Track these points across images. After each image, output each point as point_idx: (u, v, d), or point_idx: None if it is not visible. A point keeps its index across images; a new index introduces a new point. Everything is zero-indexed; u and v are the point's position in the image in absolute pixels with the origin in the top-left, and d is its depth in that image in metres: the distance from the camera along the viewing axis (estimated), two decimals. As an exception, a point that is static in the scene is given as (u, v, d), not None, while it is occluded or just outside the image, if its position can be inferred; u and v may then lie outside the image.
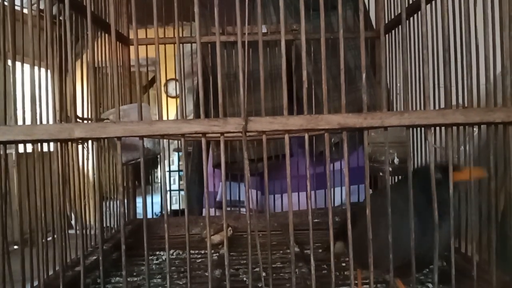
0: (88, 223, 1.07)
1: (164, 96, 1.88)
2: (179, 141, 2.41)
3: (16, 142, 0.60)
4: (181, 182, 3.67)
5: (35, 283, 0.73)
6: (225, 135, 0.61)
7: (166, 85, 3.41)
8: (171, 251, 1.13)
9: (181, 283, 0.89)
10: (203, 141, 0.61)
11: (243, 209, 1.49)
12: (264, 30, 1.38)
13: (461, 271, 0.66)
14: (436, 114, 0.58)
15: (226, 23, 1.35)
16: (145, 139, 0.62)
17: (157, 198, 3.33)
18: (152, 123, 0.58)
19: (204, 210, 1.59)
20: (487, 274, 0.66)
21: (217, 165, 1.47)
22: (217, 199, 1.53)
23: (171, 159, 3.52)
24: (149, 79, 3.74)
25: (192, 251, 1.11)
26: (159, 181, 4.30)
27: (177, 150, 3.74)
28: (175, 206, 3.47)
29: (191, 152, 1.65)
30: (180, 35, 1.38)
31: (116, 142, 0.61)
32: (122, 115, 0.69)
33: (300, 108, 0.58)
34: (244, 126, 0.57)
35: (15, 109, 0.66)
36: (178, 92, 3.20)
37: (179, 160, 3.80)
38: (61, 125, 0.59)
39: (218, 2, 0.61)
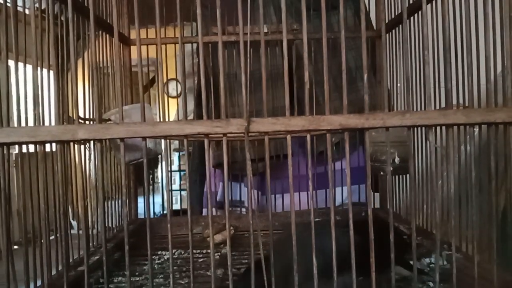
0: (89, 223, 1.07)
1: (165, 96, 1.88)
2: (179, 141, 2.39)
3: (19, 144, 0.60)
4: (182, 182, 3.68)
5: (38, 283, 0.73)
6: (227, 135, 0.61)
7: (166, 85, 3.42)
8: (172, 251, 1.13)
9: (183, 282, 0.90)
10: (206, 141, 0.61)
11: (243, 209, 1.49)
12: (265, 30, 1.38)
13: (462, 270, 0.66)
14: (438, 115, 0.59)
15: (226, 23, 1.35)
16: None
17: (157, 198, 3.33)
18: (155, 124, 0.58)
19: (204, 210, 1.59)
20: (488, 273, 0.66)
21: (217, 165, 1.47)
22: (217, 199, 1.53)
23: (171, 159, 3.53)
24: (149, 79, 3.74)
25: (193, 251, 1.11)
26: (159, 181, 4.31)
27: (177, 150, 3.75)
28: (175, 206, 3.48)
29: (191, 152, 1.65)
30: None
31: (119, 143, 0.61)
32: (123, 116, 0.69)
33: (300, 108, 0.59)
34: (246, 127, 0.57)
35: (18, 111, 0.66)
36: (179, 92, 3.21)
37: (179, 160, 3.80)
38: (64, 127, 0.59)
39: (219, 3, 0.61)
